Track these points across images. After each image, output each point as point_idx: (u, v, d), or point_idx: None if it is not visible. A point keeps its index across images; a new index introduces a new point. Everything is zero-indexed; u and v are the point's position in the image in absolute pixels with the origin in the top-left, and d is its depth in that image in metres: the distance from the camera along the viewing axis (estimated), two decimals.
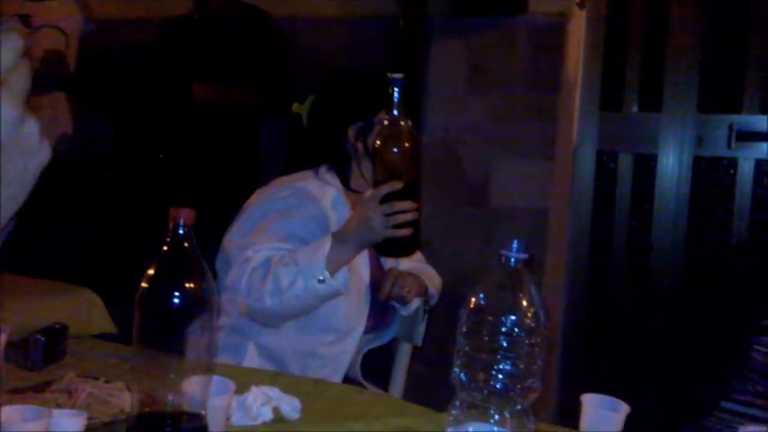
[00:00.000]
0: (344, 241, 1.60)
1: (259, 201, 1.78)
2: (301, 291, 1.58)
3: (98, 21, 3.22)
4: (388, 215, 1.55)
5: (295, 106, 1.91)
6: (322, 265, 1.57)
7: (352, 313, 1.74)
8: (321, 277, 1.57)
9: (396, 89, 1.55)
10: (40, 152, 0.52)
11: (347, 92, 1.90)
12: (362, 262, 1.78)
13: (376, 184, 1.59)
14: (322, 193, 1.76)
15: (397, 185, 1.55)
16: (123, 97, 3.17)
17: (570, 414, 1.34)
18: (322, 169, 1.82)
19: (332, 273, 1.59)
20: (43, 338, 1.53)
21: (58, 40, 3.08)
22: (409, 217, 1.55)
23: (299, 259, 1.59)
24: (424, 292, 1.88)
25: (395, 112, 1.56)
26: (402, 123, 1.56)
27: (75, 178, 3.04)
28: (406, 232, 1.56)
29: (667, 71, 2.93)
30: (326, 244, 1.59)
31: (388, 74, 1.56)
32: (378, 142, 1.58)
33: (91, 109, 3.20)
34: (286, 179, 1.82)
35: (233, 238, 1.74)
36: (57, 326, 1.61)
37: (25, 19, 3.05)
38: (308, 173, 1.82)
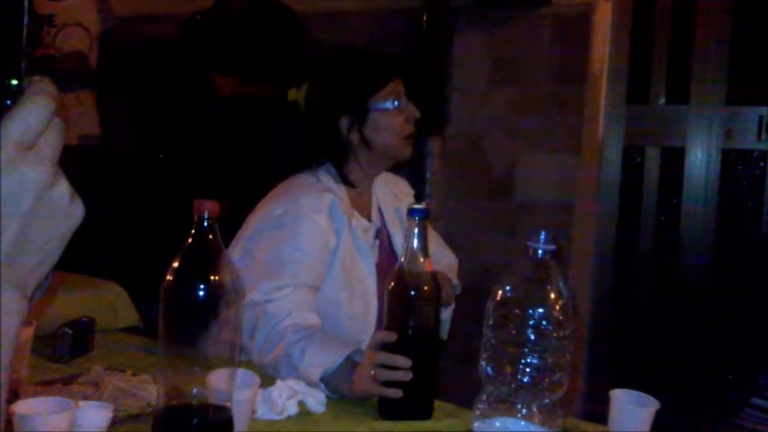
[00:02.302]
0: (350, 374, 1.37)
1: (256, 221, 1.66)
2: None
3: (119, 17, 3.26)
4: (377, 367, 1.31)
5: (291, 93, 1.75)
6: (317, 380, 1.38)
7: (356, 328, 1.64)
8: (317, 384, 1.39)
9: (417, 222, 1.32)
10: (71, 214, 0.52)
11: (334, 77, 1.72)
12: (368, 272, 1.67)
13: (388, 328, 1.36)
14: (318, 205, 1.62)
15: (391, 337, 1.32)
16: (145, 92, 3.20)
17: (597, 409, 1.32)
18: (321, 171, 1.70)
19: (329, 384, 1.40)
20: (70, 331, 1.55)
21: (82, 38, 3.12)
22: (399, 377, 1.30)
23: (303, 360, 1.41)
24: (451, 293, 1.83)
25: (415, 249, 1.32)
26: (420, 263, 1.32)
27: (100, 173, 3.07)
28: (392, 393, 1.30)
29: (695, 62, 2.89)
30: (335, 361, 1.38)
31: (409, 204, 1.37)
32: (391, 283, 1.34)
33: (114, 105, 3.23)
34: (285, 189, 1.71)
35: (236, 258, 1.60)
36: (84, 319, 1.63)
37: (49, 19, 3.10)
38: (308, 177, 1.70)
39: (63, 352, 1.53)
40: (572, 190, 2.88)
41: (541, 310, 0.98)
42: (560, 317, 0.98)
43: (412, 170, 2.90)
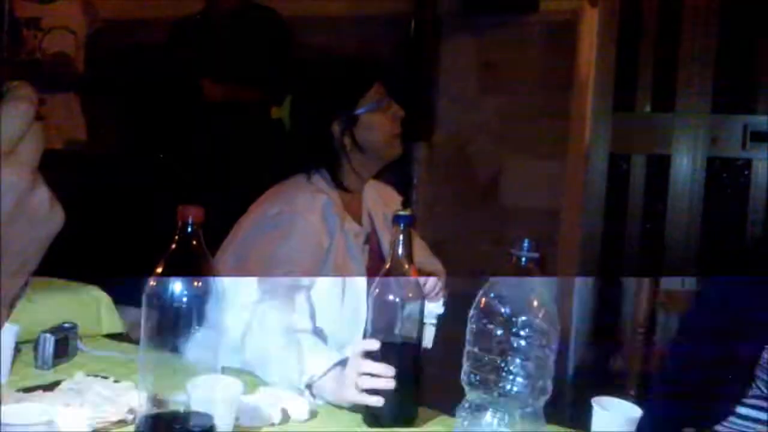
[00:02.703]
0: (335, 382, 1.37)
1: (251, 221, 1.69)
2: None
3: (106, 21, 3.24)
4: (360, 375, 1.31)
5: (274, 111, 1.78)
6: (302, 386, 1.39)
7: (347, 329, 1.64)
8: (301, 390, 1.40)
9: (401, 229, 1.32)
10: (51, 220, 0.51)
11: (322, 85, 1.75)
12: (359, 274, 1.67)
13: (372, 335, 1.35)
14: (312, 205, 1.64)
15: (374, 345, 1.31)
16: (133, 97, 3.18)
17: (580, 417, 1.32)
18: (314, 175, 1.72)
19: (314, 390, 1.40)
20: (53, 337, 1.53)
21: (68, 42, 3.10)
22: (380, 384, 1.29)
23: (291, 365, 1.41)
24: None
25: (399, 256, 1.32)
26: (405, 270, 1.31)
27: (85, 178, 3.05)
28: (373, 400, 1.30)
29: (681, 71, 2.90)
30: (322, 369, 1.39)
31: (395, 211, 1.38)
32: (375, 290, 1.33)
33: (100, 109, 3.22)
34: (278, 190, 1.73)
35: (228, 264, 1.63)
36: (67, 325, 1.61)
37: (35, 23, 3.08)
38: (301, 179, 1.72)
39: (45, 358, 1.52)
40: (558, 197, 2.88)
41: (523, 318, 0.98)
42: (543, 325, 0.98)
43: (398, 176, 2.90)
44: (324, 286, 1.63)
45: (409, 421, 1.32)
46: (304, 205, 1.64)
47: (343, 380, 1.35)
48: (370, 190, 1.84)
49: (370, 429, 1.31)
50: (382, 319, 1.33)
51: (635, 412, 1.19)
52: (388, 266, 1.33)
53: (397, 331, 1.32)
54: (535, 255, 1.00)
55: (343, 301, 1.65)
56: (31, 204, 0.50)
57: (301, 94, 1.76)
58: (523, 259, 1.00)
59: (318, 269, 1.63)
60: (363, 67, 1.78)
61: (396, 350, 1.32)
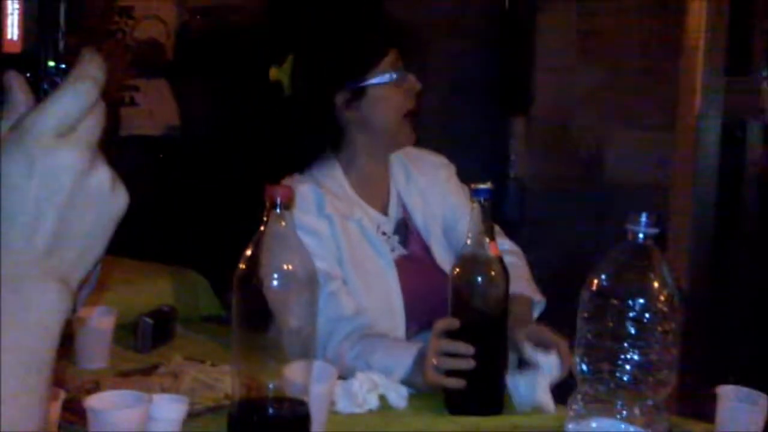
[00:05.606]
0: (421, 368, 1.31)
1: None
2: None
3: (195, 8, 3.37)
4: (441, 356, 1.26)
5: (273, 72, 1.59)
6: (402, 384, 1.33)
7: (381, 322, 1.49)
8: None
9: (480, 203, 1.26)
10: (113, 201, 0.50)
11: (328, 48, 1.56)
12: (385, 265, 1.52)
13: (453, 315, 1.30)
14: (304, 204, 1.47)
15: (453, 324, 1.27)
16: (224, 82, 3.24)
17: (692, 405, 1.24)
18: (317, 164, 1.56)
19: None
20: (151, 320, 1.55)
21: (159, 30, 3.25)
22: (461, 365, 1.25)
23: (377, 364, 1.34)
24: None
25: (478, 232, 1.26)
26: (485, 246, 1.26)
27: (180, 162, 3.14)
28: (454, 383, 1.25)
29: None
30: (405, 368, 1.33)
31: (471, 185, 1.28)
32: (456, 269, 1.29)
33: (193, 95, 3.32)
34: None
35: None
36: (165, 308, 1.63)
37: (127, 11, 3.24)
38: (295, 176, 1.56)
39: (144, 342, 1.54)
40: (667, 170, 2.75)
41: (641, 301, 0.90)
42: (664, 309, 0.89)
43: (495, 152, 2.83)
44: (348, 280, 1.49)
45: (493, 410, 1.25)
46: (300, 218, 1.43)
47: (425, 363, 1.29)
48: (397, 164, 1.65)
49: (469, 418, 1.24)
50: (462, 299, 1.27)
51: (765, 401, 1.09)
52: (467, 242, 1.27)
53: (478, 311, 1.26)
54: (655, 230, 0.91)
55: (369, 291, 1.50)
56: (90, 185, 0.48)
57: (303, 58, 1.57)
58: (641, 234, 0.91)
59: (335, 259, 1.49)
60: (374, 34, 1.57)
61: (477, 330, 1.26)
